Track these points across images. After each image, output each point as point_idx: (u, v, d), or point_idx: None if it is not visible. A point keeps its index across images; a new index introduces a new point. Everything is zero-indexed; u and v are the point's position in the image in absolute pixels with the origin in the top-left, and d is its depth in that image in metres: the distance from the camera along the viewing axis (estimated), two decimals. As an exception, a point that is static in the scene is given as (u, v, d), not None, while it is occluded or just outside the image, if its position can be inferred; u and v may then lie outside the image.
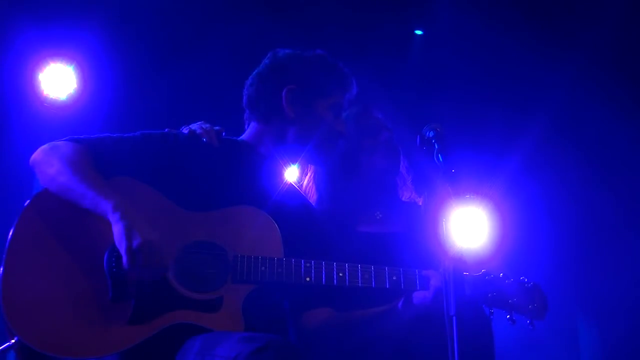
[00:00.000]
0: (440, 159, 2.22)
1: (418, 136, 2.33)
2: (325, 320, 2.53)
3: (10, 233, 2.23)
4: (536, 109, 5.28)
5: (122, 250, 2.15)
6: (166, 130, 2.57)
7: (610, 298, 5.55)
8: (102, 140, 2.43)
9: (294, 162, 2.70)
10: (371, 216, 2.86)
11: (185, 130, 2.60)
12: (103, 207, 2.21)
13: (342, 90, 2.68)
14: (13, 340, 2.11)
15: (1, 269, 2.16)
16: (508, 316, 2.36)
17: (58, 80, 4.77)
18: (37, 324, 2.10)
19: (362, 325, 2.50)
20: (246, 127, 2.76)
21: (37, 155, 2.38)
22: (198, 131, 2.57)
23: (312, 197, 2.92)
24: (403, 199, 2.96)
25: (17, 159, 4.40)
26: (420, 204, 2.92)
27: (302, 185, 2.96)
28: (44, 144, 2.40)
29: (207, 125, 2.62)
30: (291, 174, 2.82)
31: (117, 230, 2.17)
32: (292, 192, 2.75)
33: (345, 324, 2.52)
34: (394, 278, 2.36)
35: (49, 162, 2.33)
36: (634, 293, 5.40)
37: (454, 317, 1.93)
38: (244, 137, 2.73)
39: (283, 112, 2.62)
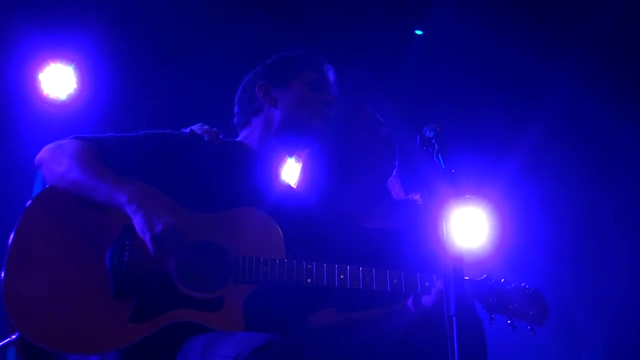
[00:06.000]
0: (440, 159, 2.20)
1: (418, 136, 2.31)
2: (329, 320, 2.53)
3: (13, 231, 2.24)
4: (536, 109, 5.28)
5: (147, 239, 2.17)
6: (168, 130, 2.58)
7: (610, 299, 5.54)
8: (106, 139, 2.45)
9: (290, 152, 2.73)
10: (373, 212, 2.84)
11: (186, 131, 2.61)
12: (118, 199, 2.23)
13: (311, 67, 2.74)
14: (14, 336, 2.12)
15: (4, 266, 2.17)
16: (509, 321, 2.36)
17: (58, 80, 4.78)
18: (39, 319, 2.11)
19: (364, 326, 2.49)
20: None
21: (43, 154, 2.39)
22: (198, 132, 2.59)
23: (307, 187, 2.87)
24: (394, 195, 2.94)
25: (18, 158, 4.41)
26: (418, 201, 2.91)
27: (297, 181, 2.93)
28: (44, 142, 2.41)
29: (206, 127, 2.65)
30: (288, 171, 2.83)
31: (138, 220, 2.19)
32: (290, 193, 2.76)
33: (346, 324, 2.52)
34: (395, 281, 2.36)
35: (56, 160, 2.34)
36: (634, 294, 5.40)
37: (454, 317, 1.92)
38: (238, 139, 2.76)
39: (263, 104, 2.70)
